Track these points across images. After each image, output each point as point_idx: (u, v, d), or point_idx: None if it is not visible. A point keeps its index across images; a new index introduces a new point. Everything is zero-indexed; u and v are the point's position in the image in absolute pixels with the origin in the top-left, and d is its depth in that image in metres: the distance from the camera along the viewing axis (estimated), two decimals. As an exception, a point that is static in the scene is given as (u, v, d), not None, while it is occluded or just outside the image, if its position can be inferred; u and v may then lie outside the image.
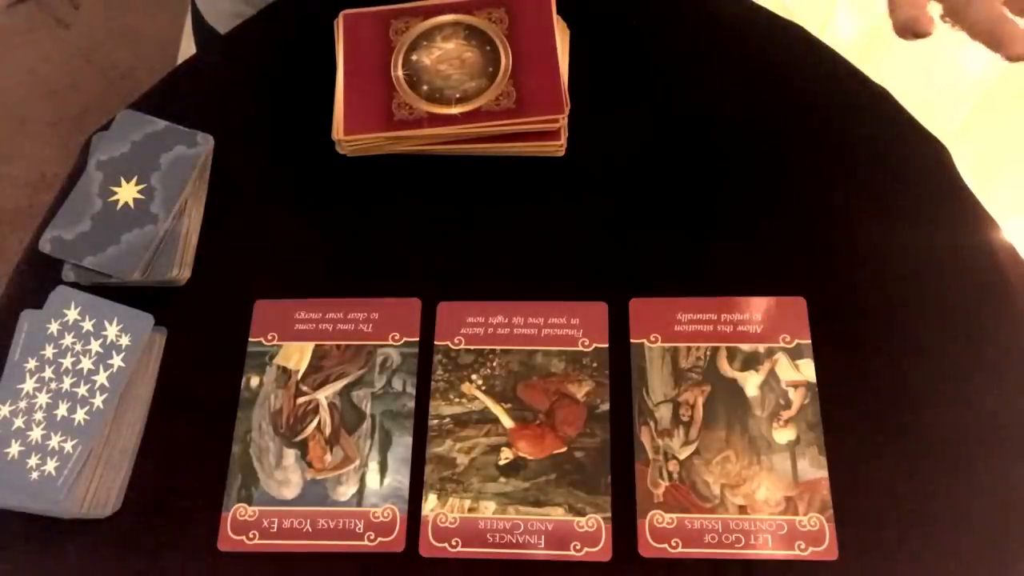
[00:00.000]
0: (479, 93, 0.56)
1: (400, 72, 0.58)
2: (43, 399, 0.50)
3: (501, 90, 0.56)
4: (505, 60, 0.56)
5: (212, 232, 0.58)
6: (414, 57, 0.58)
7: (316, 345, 0.54)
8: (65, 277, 0.55)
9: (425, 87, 0.57)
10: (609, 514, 0.49)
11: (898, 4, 0.47)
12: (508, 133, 0.56)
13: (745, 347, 0.52)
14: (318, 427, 0.53)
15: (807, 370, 0.52)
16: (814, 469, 0.49)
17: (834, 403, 0.51)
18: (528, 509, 0.50)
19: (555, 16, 0.58)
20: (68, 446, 0.49)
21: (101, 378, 0.50)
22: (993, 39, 0.44)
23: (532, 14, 0.58)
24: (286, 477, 0.51)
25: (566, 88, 0.56)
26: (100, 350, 0.51)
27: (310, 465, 0.52)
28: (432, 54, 0.58)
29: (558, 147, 0.57)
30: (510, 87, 0.56)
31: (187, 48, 1.57)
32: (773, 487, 0.49)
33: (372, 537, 0.50)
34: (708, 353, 0.53)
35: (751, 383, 0.52)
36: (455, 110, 0.56)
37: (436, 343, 0.54)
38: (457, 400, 0.53)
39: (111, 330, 0.51)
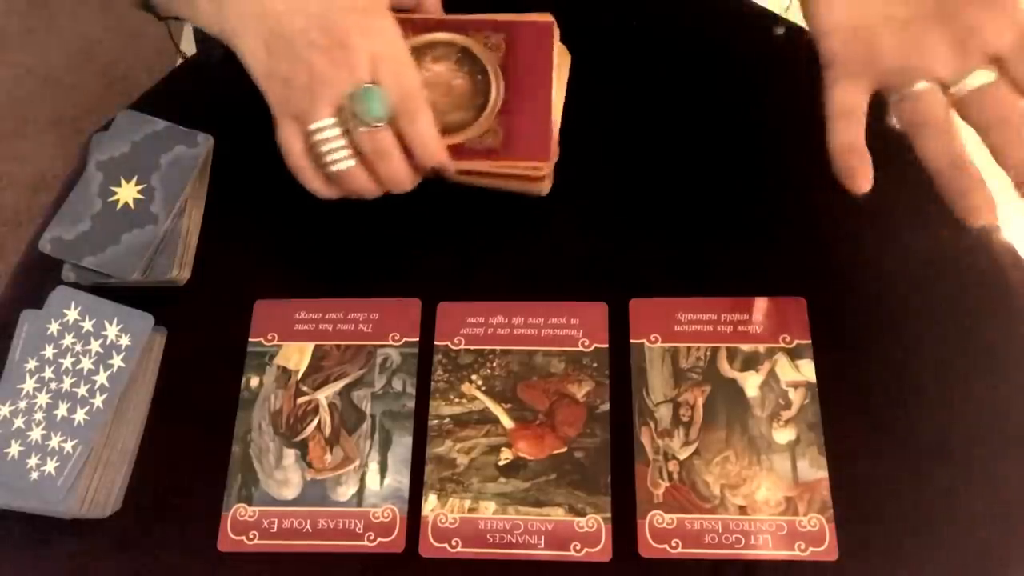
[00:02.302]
0: (463, 126, 0.52)
1: None
2: (43, 399, 0.50)
3: (487, 126, 0.51)
4: (495, 92, 0.52)
5: (212, 232, 0.58)
6: None
7: (316, 345, 0.54)
8: (65, 277, 0.55)
9: None
10: (609, 514, 0.49)
11: (836, 146, 0.46)
12: (489, 172, 0.53)
13: (745, 347, 0.52)
14: (318, 427, 0.53)
15: (807, 370, 0.52)
16: (814, 469, 0.49)
17: (834, 403, 0.51)
18: (528, 509, 0.50)
19: (556, 44, 0.54)
20: (68, 446, 0.49)
21: (101, 378, 0.50)
22: (957, 200, 0.44)
23: (532, 45, 0.53)
24: (286, 477, 0.51)
25: (556, 133, 0.53)
26: (100, 350, 0.51)
27: (310, 465, 0.52)
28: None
29: (540, 188, 0.54)
30: (496, 124, 0.51)
31: (187, 48, 1.57)
32: (773, 487, 0.49)
33: (372, 537, 0.50)
34: (708, 353, 0.53)
35: (751, 383, 0.52)
36: None
37: (436, 343, 0.54)
38: (457, 400, 0.53)
39: (111, 330, 0.51)
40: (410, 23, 0.53)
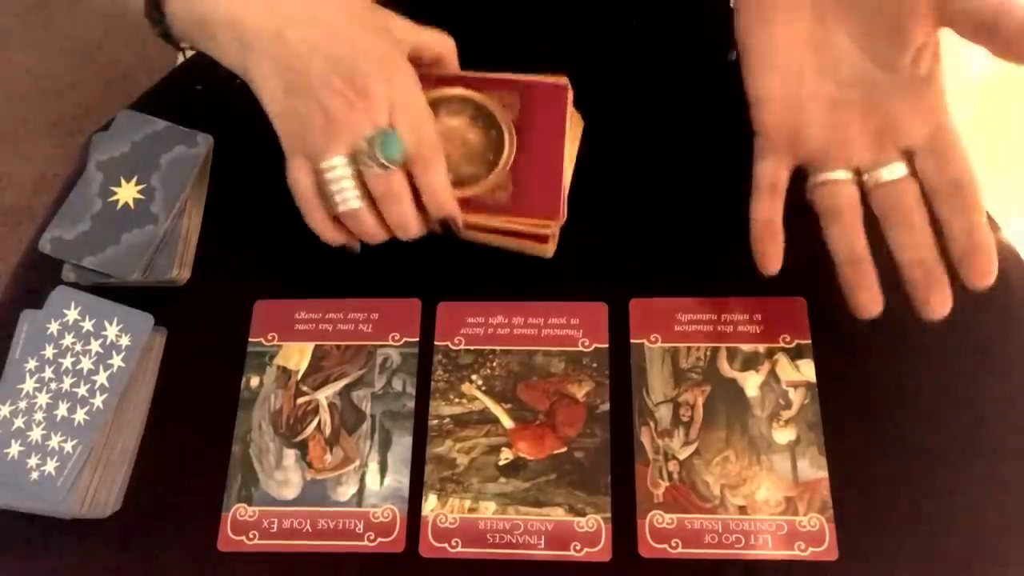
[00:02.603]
0: (474, 180, 0.52)
1: None
2: (43, 399, 0.50)
3: (497, 182, 0.52)
4: (508, 150, 0.52)
5: (212, 232, 0.58)
6: None
7: (316, 345, 0.55)
8: (65, 277, 0.55)
9: None
10: (609, 514, 0.49)
11: (755, 221, 0.49)
12: (496, 228, 0.53)
13: (745, 347, 0.52)
14: (318, 427, 0.53)
15: (807, 370, 0.52)
16: (814, 469, 0.49)
17: (834, 403, 0.51)
18: (528, 509, 0.50)
19: (570, 109, 0.54)
20: (68, 446, 0.49)
21: (101, 378, 0.50)
22: (848, 293, 0.47)
23: (546, 105, 0.54)
24: (286, 477, 0.51)
25: (566, 195, 0.53)
26: (100, 350, 0.51)
27: (310, 465, 0.52)
28: None
29: (544, 250, 0.54)
30: (507, 180, 0.52)
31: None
32: (773, 487, 0.49)
33: (372, 537, 0.50)
34: (708, 353, 0.53)
35: (751, 383, 0.52)
36: None
37: (436, 343, 0.54)
38: (457, 400, 0.53)
39: (111, 330, 0.51)
40: (428, 78, 0.55)
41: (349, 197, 0.48)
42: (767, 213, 0.48)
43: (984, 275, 0.44)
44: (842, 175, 0.47)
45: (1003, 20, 0.39)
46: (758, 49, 0.47)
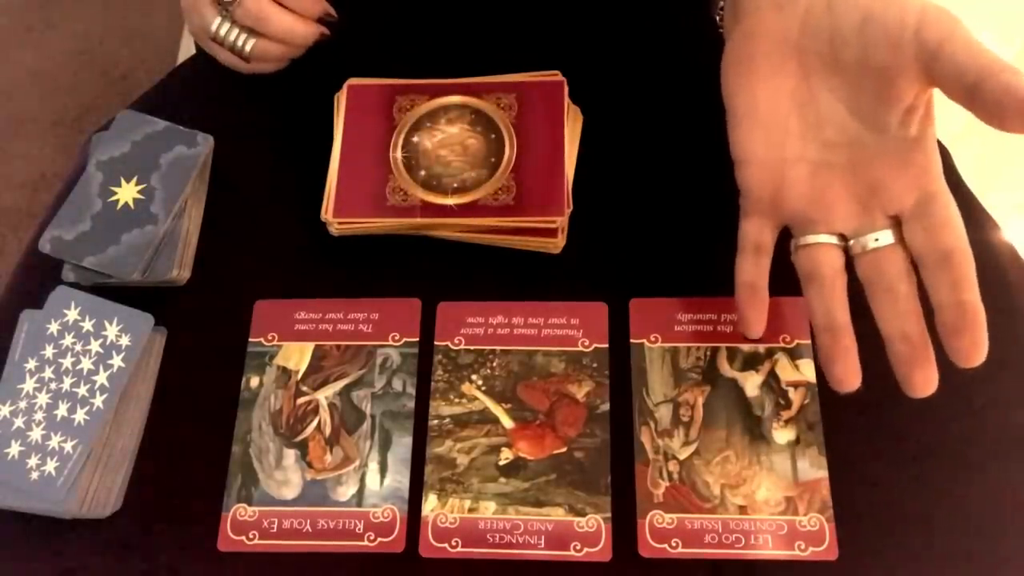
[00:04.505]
0: (478, 184, 0.54)
1: (399, 154, 0.55)
2: (43, 399, 0.50)
3: (501, 184, 0.53)
4: (509, 151, 0.54)
5: (212, 232, 0.58)
6: (415, 139, 0.56)
7: (316, 345, 0.55)
8: (65, 277, 0.55)
9: (422, 172, 0.55)
10: (609, 514, 0.49)
11: (739, 283, 0.47)
12: (505, 228, 0.54)
13: (745, 347, 0.52)
14: (318, 427, 0.53)
15: (807, 370, 0.52)
16: (814, 469, 0.49)
17: (834, 403, 0.51)
18: (528, 509, 0.50)
19: (567, 104, 0.56)
20: (68, 446, 0.49)
21: (101, 378, 0.50)
22: (823, 365, 0.44)
23: (543, 104, 0.55)
24: (286, 477, 0.51)
25: (570, 187, 0.54)
26: (100, 350, 0.51)
27: (310, 465, 0.52)
28: (434, 137, 0.56)
29: (555, 244, 0.55)
30: (511, 181, 0.53)
31: (187, 48, 1.57)
32: (773, 487, 0.49)
33: (372, 537, 0.50)
34: (708, 353, 0.53)
35: (751, 383, 0.52)
36: (451, 201, 0.53)
37: (436, 343, 0.54)
38: (457, 400, 0.53)
39: (111, 330, 0.51)
40: (425, 88, 0.57)
41: (243, 41, 0.58)
42: (751, 276, 0.47)
43: (971, 356, 0.41)
44: (825, 239, 0.45)
45: (986, 84, 0.37)
46: (741, 109, 0.46)
